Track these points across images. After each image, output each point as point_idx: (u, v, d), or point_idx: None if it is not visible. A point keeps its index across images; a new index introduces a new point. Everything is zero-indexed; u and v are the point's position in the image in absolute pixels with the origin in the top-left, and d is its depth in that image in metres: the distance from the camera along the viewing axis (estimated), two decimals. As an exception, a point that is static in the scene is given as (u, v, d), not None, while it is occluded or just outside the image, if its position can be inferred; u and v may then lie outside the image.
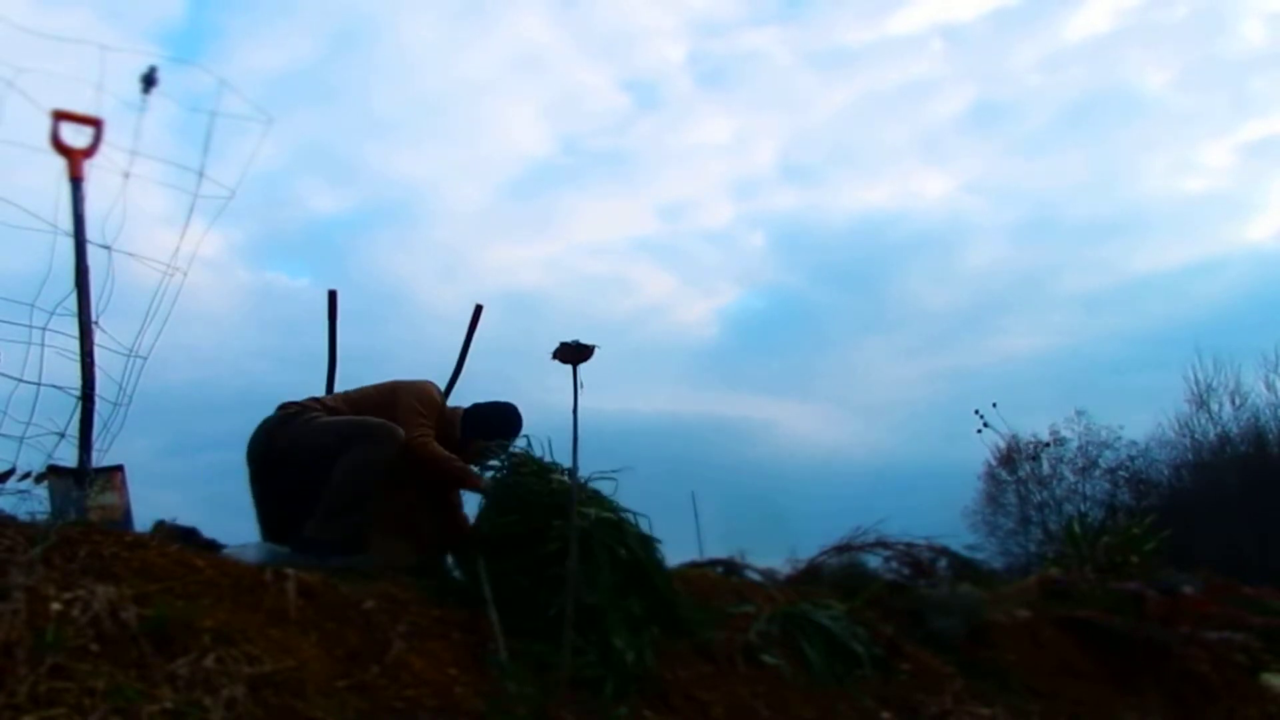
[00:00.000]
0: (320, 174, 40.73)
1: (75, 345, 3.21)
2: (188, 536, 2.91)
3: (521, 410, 3.86)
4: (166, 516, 3.41)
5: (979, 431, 10.49)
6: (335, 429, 3.39)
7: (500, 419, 3.83)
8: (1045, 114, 37.50)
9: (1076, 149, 36.54)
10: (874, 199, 38.35)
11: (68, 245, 3.27)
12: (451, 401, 3.98)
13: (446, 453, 3.57)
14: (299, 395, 3.69)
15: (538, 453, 3.40)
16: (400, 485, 3.50)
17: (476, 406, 3.92)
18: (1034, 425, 20.45)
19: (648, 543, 3.17)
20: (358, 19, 40.91)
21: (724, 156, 41.95)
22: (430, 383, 3.85)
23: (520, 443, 3.52)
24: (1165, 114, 34.81)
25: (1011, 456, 19.95)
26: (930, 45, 38.68)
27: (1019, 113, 38.10)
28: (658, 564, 3.17)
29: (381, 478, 3.32)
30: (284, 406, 3.60)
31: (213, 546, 2.88)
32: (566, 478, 3.09)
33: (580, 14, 42.70)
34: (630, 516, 3.17)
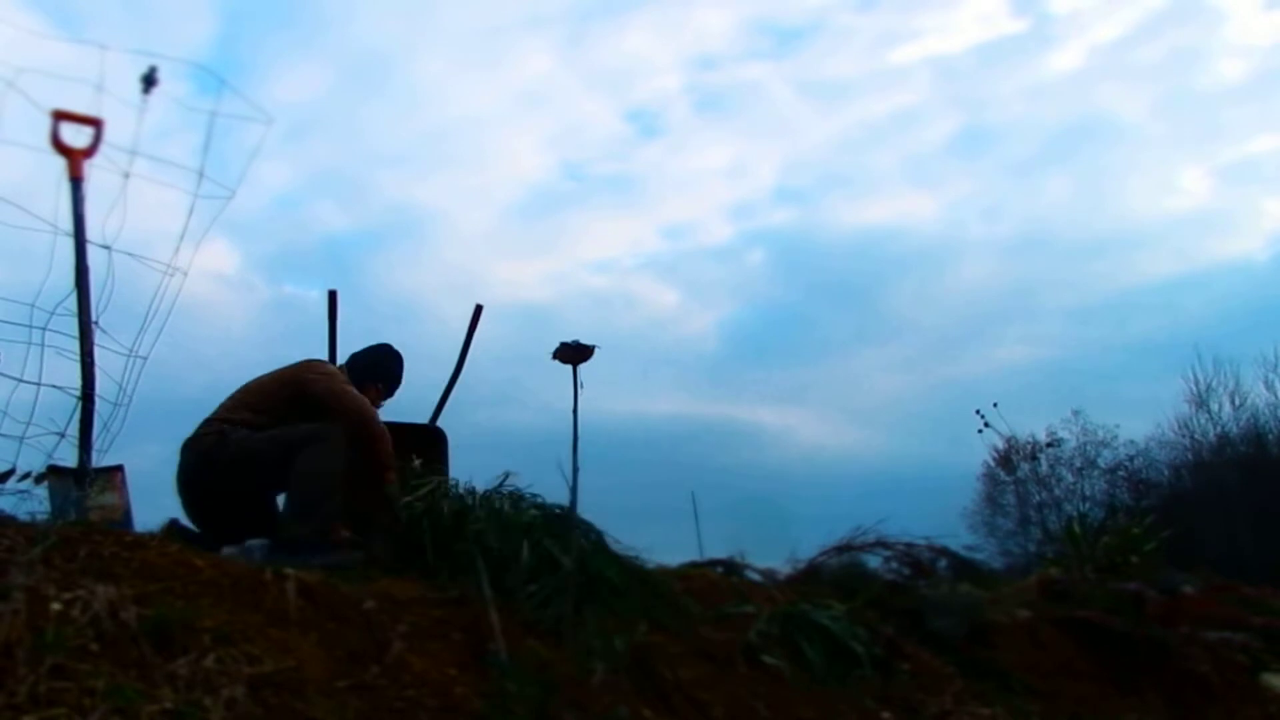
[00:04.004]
0: (334, 197, 42.40)
1: (75, 345, 3.21)
2: (195, 542, 2.91)
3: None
4: (174, 522, 3.43)
5: (980, 431, 10.48)
6: (279, 439, 3.36)
7: (389, 359, 3.94)
8: (1030, 140, 38.61)
9: (1061, 172, 37.59)
10: (868, 218, 39.59)
11: (68, 245, 3.27)
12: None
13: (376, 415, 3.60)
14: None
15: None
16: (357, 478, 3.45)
17: (358, 356, 3.95)
18: (1030, 429, 20.53)
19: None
20: (372, 55, 42.79)
21: (723, 180, 44.02)
22: (317, 360, 3.83)
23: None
24: (1144, 141, 36.29)
25: (1009, 457, 19.96)
26: (918, 77, 39.79)
27: (1005, 139, 39.36)
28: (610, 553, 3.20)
29: (341, 468, 3.30)
30: (207, 424, 3.55)
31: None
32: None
33: (584, 50, 44.47)
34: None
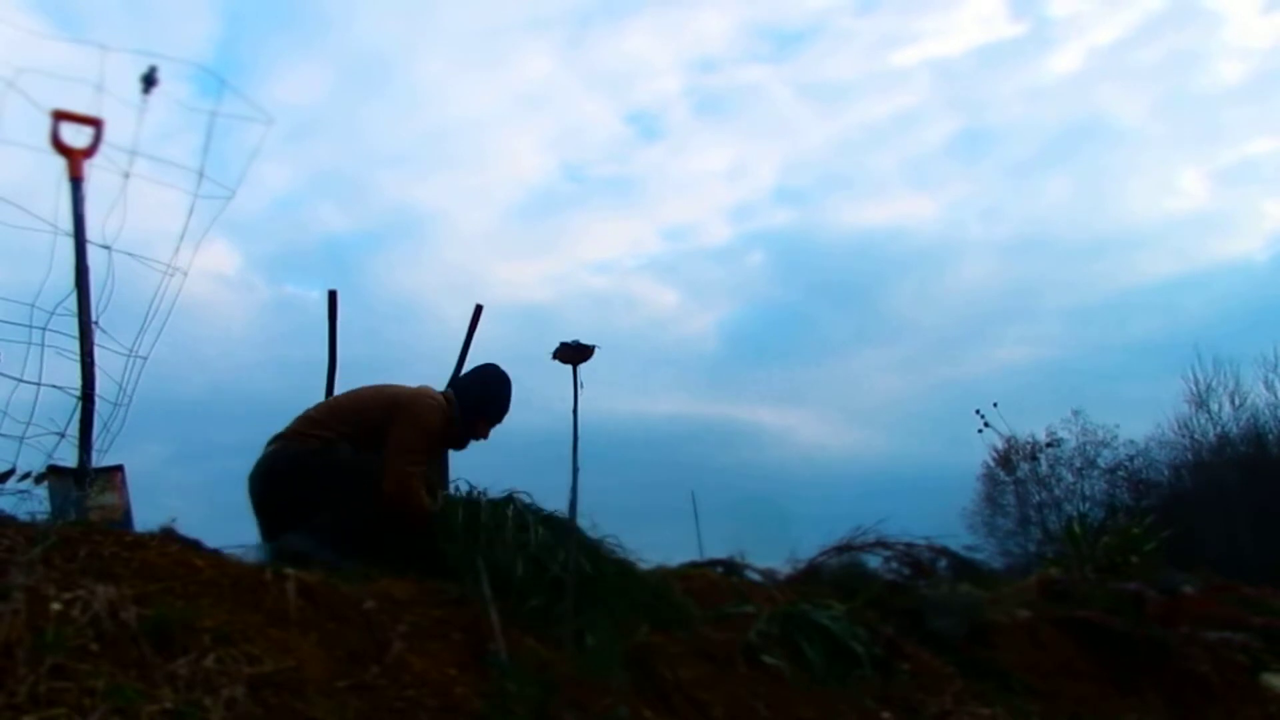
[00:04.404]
0: (335, 198, 42.56)
1: (75, 345, 3.21)
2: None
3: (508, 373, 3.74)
4: (171, 522, 3.42)
5: (980, 431, 10.49)
6: (349, 466, 3.31)
7: (498, 391, 3.71)
8: (1029, 142, 38.90)
9: (1060, 173, 37.76)
10: (868, 219, 39.72)
11: (68, 245, 3.27)
12: None
13: (427, 504, 3.36)
14: (300, 397, 3.67)
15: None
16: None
17: (468, 386, 3.75)
18: (1030, 429, 20.54)
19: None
20: (372, 56, 43.07)
21: (722, 182, 44.14)
22: (431, 398, 3.58)
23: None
24: (1144, 142, 36.54)
25: (1009, 457, 19.96)
26: (918, 79, 40.00)
27: (1005, 140, 39.61)
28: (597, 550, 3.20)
29: (373, 520, 3.27)
30: (275, 440, 3.47)
31: None
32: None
33: (584, 52, 44.72)
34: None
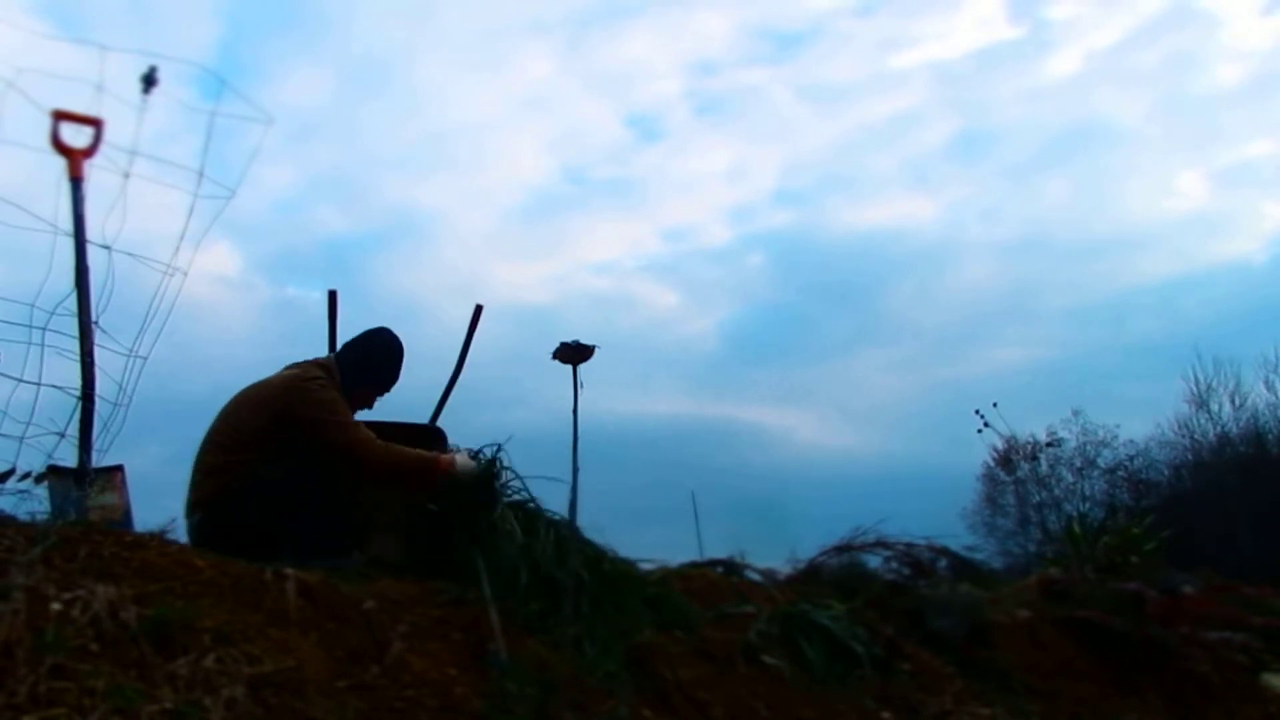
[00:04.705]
0: (336, 199, 42.71)
1: (75, 345, 3.21)
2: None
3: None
4: (171, 522, 3.41)
5: (980, 431, 10.48)
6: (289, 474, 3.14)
7: (381, 357, 3.52)
8: (1028, 143, 38.96)
9: (1059, 175, 37.79)
10: (867, 220, 39.70)
11: (68, 245, 3.27)
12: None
13: (398, 447, 3.20)
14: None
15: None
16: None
17: (347, 353, 3.53)
18: (1030, 429, 20.57)
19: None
20: (373, 59, 43.10)
21: (723, 183, 45.05)
22: (309, 375, 3.33)
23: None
24: (1142, 144, 36.85)
25: (1009, 457, 19.95)
26: (917, 81, 40.06)
27: (1004, 142, 39.65)
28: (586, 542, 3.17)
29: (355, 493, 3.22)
30: (195, 489, 3.27)
31: None
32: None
33: (584, 55, 45.09)
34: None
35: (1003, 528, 21.80)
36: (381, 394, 3.64)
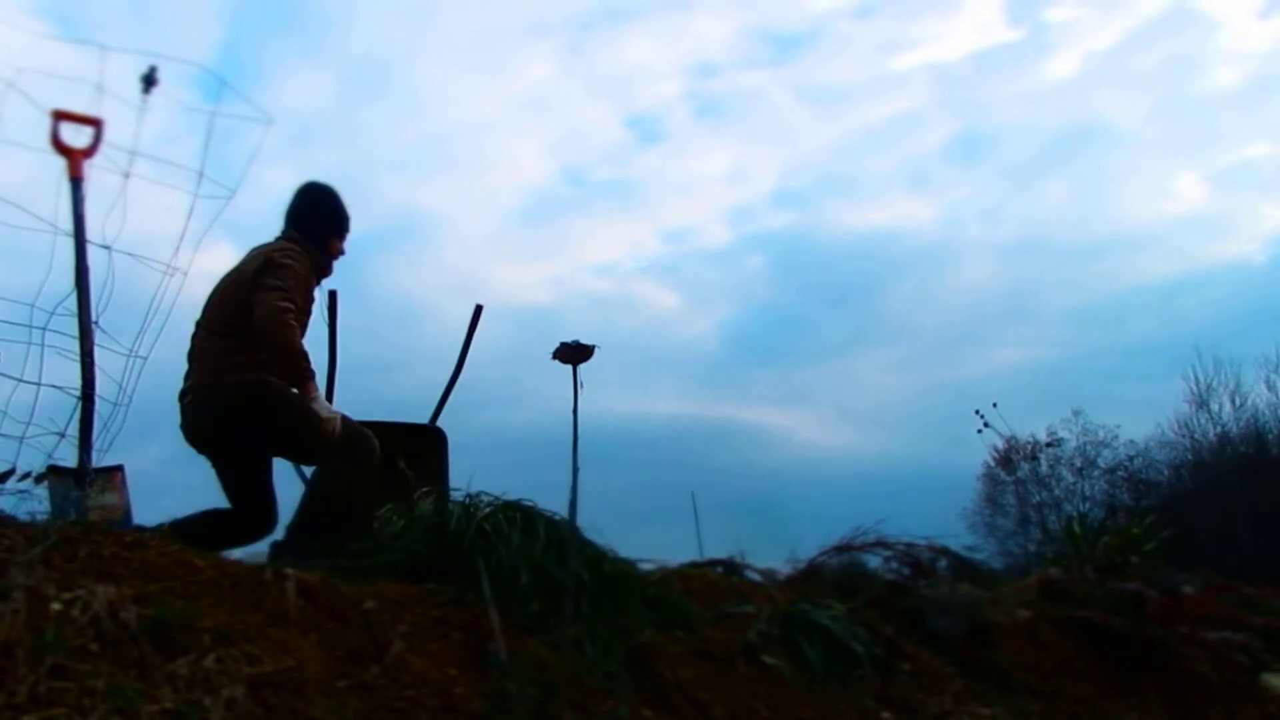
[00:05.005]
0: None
1: (75, 345, 3.21)
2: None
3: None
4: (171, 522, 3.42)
5: (979, 432, 10.47)
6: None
7: (327, 201, 3.60)
8: (1028, 145, 39.12)
9: (1058, 176, 37.89)
10: (867, 221, 39.73)
11: (68, 245, 3.28)
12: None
13: (303, 347, 3.24)
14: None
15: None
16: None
17: (298, 217, 3.56)
18: (1030, 430, 20.56)
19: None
20: (374, 60, 43.08)
21: (723, 185, 44.94)
22: (282, 247, 3.39)
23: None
24: (1141, 146, 36.97)
25: (1009, 457, 19.94)
26: (917, 83, 40.20)
27: (1003, 144, 39.81)
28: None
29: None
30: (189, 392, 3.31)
31: None
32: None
33: (585, 57, 45.16)
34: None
35: (1003, 528, 21.81)
36: (346, 234, 3.67)
